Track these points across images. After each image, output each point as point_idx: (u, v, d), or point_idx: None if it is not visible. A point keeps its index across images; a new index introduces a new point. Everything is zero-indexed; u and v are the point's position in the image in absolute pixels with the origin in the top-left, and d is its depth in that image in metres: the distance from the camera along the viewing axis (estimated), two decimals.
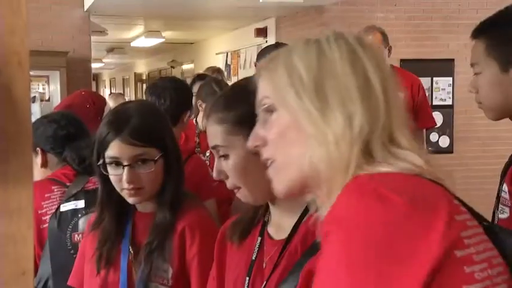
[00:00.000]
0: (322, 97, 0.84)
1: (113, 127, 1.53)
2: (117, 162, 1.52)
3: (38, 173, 2.13)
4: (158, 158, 1.53)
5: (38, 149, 2.13)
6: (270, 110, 0.90)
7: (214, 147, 1.25)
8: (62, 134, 2.12)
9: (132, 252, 1.58)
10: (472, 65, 1.57)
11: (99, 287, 1.59)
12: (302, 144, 0.86)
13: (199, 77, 3.63)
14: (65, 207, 1.90)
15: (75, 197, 1.91)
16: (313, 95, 0.85)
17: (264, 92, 0.92)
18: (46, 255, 1.90)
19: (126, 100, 6.92)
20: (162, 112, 1.75)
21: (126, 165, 1.51)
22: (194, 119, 3.14)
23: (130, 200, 1.56)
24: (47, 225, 1.93)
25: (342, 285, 0.73)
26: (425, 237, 0.72)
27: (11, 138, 0.64)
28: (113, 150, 1.52)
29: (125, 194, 1.55)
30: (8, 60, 0.64)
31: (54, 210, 1.94)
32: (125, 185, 1.52)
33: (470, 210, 0.83)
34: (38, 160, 2.13)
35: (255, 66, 2.83)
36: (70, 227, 1.89)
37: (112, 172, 1.54)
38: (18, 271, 0.65)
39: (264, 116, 0.92)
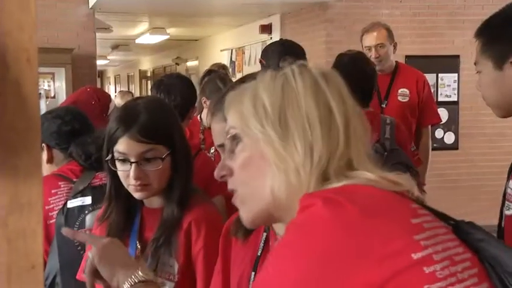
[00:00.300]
0: (284, 126, 0.89)
1: (122, 123, 1.53)
2: (124, 158, 1.53)
3: (44, 169, 2.13)
4: (166, 156, 1.54)
5: (43, 144, 2.12)
6: (236, 139, 0.94)
7: (221, 146, 1.25)
8: (67, 129, 2.11)
9: (139, 247, 1.59)
10: (475, 64, 1.60)
11: None
12: (264, 174, 0.90)
13: (210, 72, 3.62)
14: (72, 203, 1.90)
15: (82, 193, 1.91)
16: (276, 123, 0.89)
17: (231, 123, 0.96)
18: (54, 250, 1.91)
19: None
20: (172, 109, 1.74)
21: (133, 162, 1.52)
22: (198, 116, 3.14)
23: (137, 195, 1.57)
24: (54, 221, 1.94)
25: (300, 275, 0.77)
26: (374, 243, 0.76)
27: (20, 133, 0.64)
28: (121, 146, 1.53)
29: (131, 189, 1.56)
30: (17, 57, 0.65)
31: (61, 206, 1.95)
32: (132, 181, 1.53)
33: (434, 212, 0.87)
34: (43, 156, 2.12)
35: (260, 62, 2.83)
36: (77, 223, 1.89)
37: (120, 168, 1.55)
38: (28, 265, 0.66)
39: (230, 146, 0.96)
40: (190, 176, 1.62)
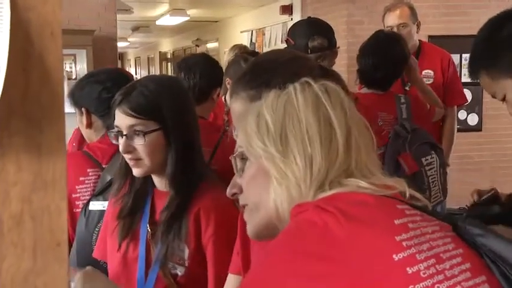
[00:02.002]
0: (285, 141, 0.93)
1: (119, 96, 1.56)
2: (119, 132, 1.56)
3: (84, 133, 2.11)
4: (150, 132, 1.53)
5: (83, 109, 2.07)
6: (243, 158, 1.00)
7: None
8: (107, 96, 1.98)
9: (149, 231, 1.59)
10: (493, 96, 1.55)
11: (119, 263, 1.61)
12: (268, 189, 0.94)
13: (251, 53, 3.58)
14: (94, 206, 1.87)
15: (104, 196, 1.86)
16: (277, 140, 0.93)
17: (239, 142, 1.01)
18: (73, 247, 1.89)
19: None
20: (178, 87, 1.68)
21: (124, 135, 1.54)
22: (223, 97, 3.12)
23: (134, 172, 1.57)
24: (79, 210, 1.91)
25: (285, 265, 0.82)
26: (355, 249, 0.79)
27: (44, 108, 0.64)
28: (116, 118, 1.56)
29: (129, 164, 1.57)
30: (41, 31, 0.64)
31: (87, 197, 1.92)
32: (124, 155, 1.55)
33: (429, 211, 0.89)
34: (83, 120, 2.08)
35: (287, 42, 2.77)
36: (96, 229, 1.85)
37: (119, 141, 1.57)
38: (53, 243, 0.66)
39: (239, 165, 1.01)
40: (193, 157, 1.59)
